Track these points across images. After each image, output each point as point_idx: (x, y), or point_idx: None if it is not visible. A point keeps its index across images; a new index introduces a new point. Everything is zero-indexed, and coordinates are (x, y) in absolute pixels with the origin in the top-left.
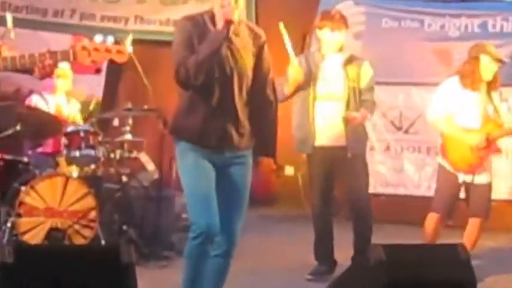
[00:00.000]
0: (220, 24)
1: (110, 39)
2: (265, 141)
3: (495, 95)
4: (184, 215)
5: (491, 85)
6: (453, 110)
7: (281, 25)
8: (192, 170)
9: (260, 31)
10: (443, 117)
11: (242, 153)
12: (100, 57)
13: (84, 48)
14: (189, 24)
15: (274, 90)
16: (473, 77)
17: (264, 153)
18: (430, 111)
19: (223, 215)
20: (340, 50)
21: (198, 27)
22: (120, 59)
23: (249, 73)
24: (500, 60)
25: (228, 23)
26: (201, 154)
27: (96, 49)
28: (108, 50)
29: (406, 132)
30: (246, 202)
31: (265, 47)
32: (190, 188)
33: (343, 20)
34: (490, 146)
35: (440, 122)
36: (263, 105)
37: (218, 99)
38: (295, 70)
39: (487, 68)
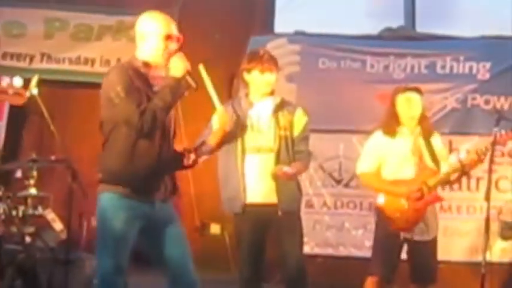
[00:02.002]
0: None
1: (17, 81)
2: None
3: (435, 139)
4: (96, 281)
5: (424, 128)
6: (386, 161)
7: (200, 67)
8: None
9: None
10: (371, 171)
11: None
12: None
13: None
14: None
15: None
16: (392, 123)
17: None
18: (358, 165)
19: (180, 262)
20: (271, 94)
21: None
22: (17, 102)
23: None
24: (416, 90)
25: (188, 72)
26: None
27: None
28: (3, 92)
29: (347, 185)
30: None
31: None
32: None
33: (273, 61)
34: (423, 196)
35: (367, 176)
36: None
37: (159, 149)
38: (221, 117)
39: (406, 106)
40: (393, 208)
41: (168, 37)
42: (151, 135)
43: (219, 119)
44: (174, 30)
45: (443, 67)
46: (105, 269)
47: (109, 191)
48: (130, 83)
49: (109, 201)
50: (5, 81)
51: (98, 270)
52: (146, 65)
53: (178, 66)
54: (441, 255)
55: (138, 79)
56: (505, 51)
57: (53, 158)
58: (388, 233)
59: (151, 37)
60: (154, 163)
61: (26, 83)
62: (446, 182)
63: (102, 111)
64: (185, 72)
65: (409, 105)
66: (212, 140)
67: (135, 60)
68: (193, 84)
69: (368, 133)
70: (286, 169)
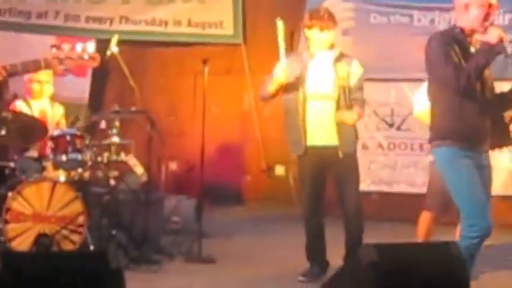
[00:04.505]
0: (492, 39)
1: (91, 46)
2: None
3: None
4: (174, 218)
5: None
6: None
7: (279, 23)
8: (468, 178)
9: None
10: (427, 110)
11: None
12: (72, 64)
13: (55, 57)
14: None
15: None
16: None
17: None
18: (414, 106)
19: None
20: (330, 47)
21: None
22: (92, 65)
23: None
24: None
25: (501, 40)
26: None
27: (68, 57)
28: (80, 57)
29: (398, 129)
30: None
31: None
32: (470, 196)
33: (332, 19)
34: None
35: (424, 114)
36: None
37: (481, 103)
38: (280, 70)
39: None
40: None
41: (489, 7)
42: (472, 92)
43: (279, 70)
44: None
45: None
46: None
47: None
48: (449, 49)
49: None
50: (80, 46)
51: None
52: (464, 31)
53: (494, 34)
54: None
55: (457, 45)
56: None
57: (133, 109)
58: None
59: (472, 7)
60: (477, 119)
61: (107, 43)
62: None
63: (428, 75)
64: (499, 40)
65: None
66: (271, 88)
67: (454, 28)
68: (504, 51)
69: (416, 80)
70: (352, 115)
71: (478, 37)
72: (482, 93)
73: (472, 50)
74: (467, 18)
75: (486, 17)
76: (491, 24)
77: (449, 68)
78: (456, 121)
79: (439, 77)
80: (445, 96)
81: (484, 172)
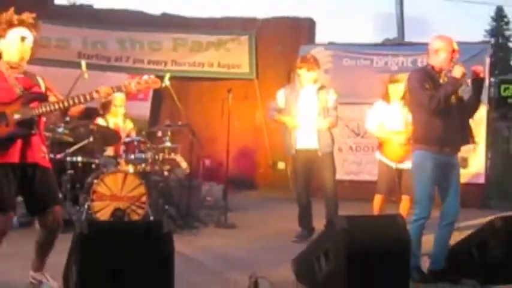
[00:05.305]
0: (457, 75)
1: (152, 77)
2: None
3: None
4: (208, 198)
5: (405, 99)
6: (383, 119)
7: None
8: (427, 178)
9: None
10: (377, 125)
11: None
12: (142, 86)
13: (129, 82)
14: (423, 73)
15: None
16: (387, 97)
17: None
18: (366, 123)
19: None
20: (314, 82)
21: (429, 75)
22: (156, 86)
23: None
24: (396, 80)
25: (463, 75)
26: (436, 160)
27: (139, 83)
28: (147, 83)
29: (362, 137)
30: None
31: None
32: (423, 190)
33: (316, 62)
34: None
35: (373, 128)
36: None
37: (453, 116)
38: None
39: (393, 89)
40: (391, 149)
41: (453, 51)
42: (442, 110)
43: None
44: (455, 46)
45: (421, 62)
46: None
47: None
48: (424, 81)
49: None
50: (146, 76)
51: None
52: (434, 68)
53: (458, 71)
54: None
55: (430, 78)
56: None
57: (179, 123)
58: (386, 166)
59: (441, 52)
60: (445, 130)
61: (162, 79)
62: None
63: (409, 98)
64: (462, 75)
65: (396, 89)
66: (276, 117)
67: (428, 66)
68: (465, 83)
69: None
70: (325, 122)
71: (447, 73)
72: (457, 108)
73: (441, 81)
74: (437, 59)
75: (451, 59)
76: (455, 63)
77: (424, 94)
78: (428, 132)
79: (417, 100)
80: (420, 114)
81: (453, 169)
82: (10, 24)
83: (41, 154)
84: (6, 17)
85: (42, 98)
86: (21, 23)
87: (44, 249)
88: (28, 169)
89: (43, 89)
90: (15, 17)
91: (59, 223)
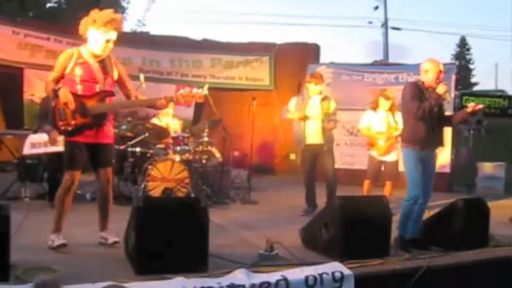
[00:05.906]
0: (440, 91)
1: (196, 89)
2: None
3: (396, 114)
4: (236, 180)
5: (391, 109)
6: (371, 122)
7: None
8: (415, 169)
9: None
10: (365, 127)
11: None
12: (189, 99)
13: (180, 94)
14: (416, 87)
15: None
16: (375, 107)
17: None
18: (359, 124)
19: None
20: (320, 93)
21: (419, 89)
22: (199, 100)
23: None
24: (387, 97)
25: (445, 92)
26: (419, 156)
27: (186, 95)
28: (193, 96)
29: (356, 136)
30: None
31: None
32: (413, 178)
33: (321, 78)
34: (390, 139)
35: (364, 129)
36: None
37: (433, 123)
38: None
39: (383, 102)
40: (377, 145)
41: (439, 72)
42: (426, 117)
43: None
44: (442, 68)
45: (402, 78)
46: None
47: (405, 148)
48: (415, 92)
49: (407, 153)
50: (195, 90)
51: None
52: (423, 84)
53: (441, 89)
54: None
55: (419, 91)
56: None
57: (215, 122)
58: (374, 159)
59: (430, 72)
60: (427, 132)
61: (202, 89)
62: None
63: (401, 105)
64: (444, 92)
65: (385, 102)
66: (288, 116)
67: (419, 81)
68: (446, 99)
69: (364, 110)
70: (328, 125)
71: (432, 90)
72: (437, 115)
73: (427, 95)
74: (426, 77)
75: (438, 78)
76: (440, 82)
77: (414, 103)
78: (414, 134)
79: (407, 107)
80: (409, 119)
81: (431, 163)
82: (106, 25)
83: (108, 135)
84: (107, 17)
85: (113, 95)
86: (116, 30)
87: (102, 205)
88: (98, 146)
89: (115, 77)
90: (114, 23)
91: (109, 179)
